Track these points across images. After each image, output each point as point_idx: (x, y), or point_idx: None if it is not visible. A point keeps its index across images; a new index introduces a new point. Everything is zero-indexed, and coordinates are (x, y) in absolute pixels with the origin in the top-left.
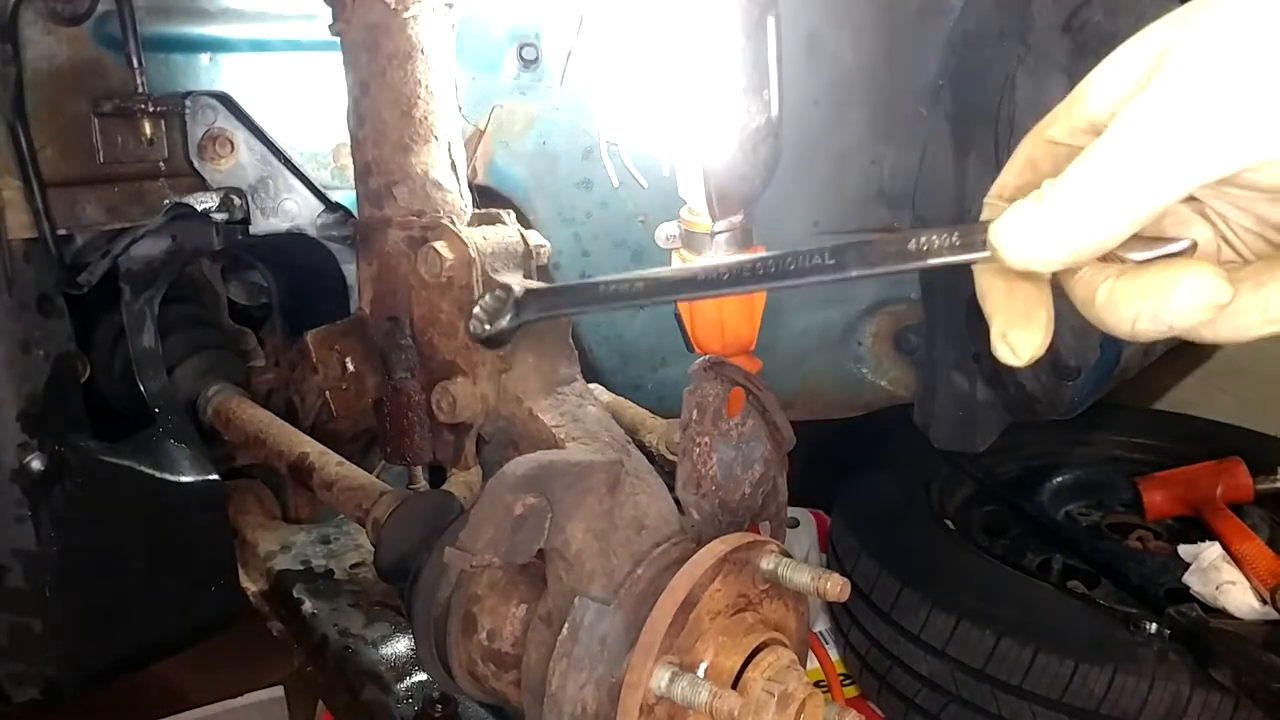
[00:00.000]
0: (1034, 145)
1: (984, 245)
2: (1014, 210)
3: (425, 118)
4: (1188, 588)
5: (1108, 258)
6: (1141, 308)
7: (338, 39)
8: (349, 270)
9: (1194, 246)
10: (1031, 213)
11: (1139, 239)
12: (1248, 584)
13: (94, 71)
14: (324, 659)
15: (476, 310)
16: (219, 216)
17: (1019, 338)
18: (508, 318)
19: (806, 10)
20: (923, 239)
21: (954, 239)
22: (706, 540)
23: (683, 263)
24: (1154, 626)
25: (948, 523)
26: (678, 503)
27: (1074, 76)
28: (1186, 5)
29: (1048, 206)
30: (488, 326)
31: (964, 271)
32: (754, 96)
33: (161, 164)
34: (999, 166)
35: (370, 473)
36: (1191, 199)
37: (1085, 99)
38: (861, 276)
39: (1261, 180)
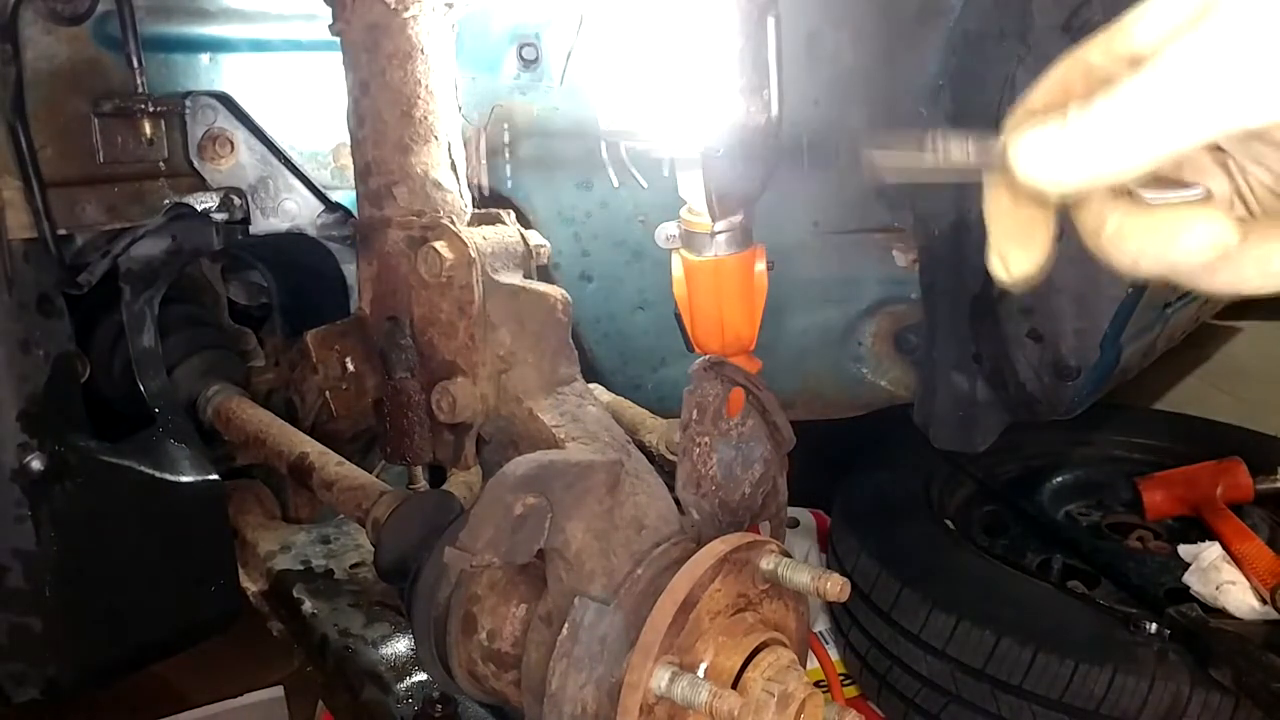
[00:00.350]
0: (1069, 68)
1: (1000, 159)
2: (1036, 128)
3: (425, 118)
4: (1188, 588)
5: (1119, 193)
6: (1148, 244)
7: (338, 39)
8: (349, 270)
9: (1209, 195)
10: (1053, 132)
11: (1155, 179)
12: (1248, 584)
13: (94, 71)
14: (324, 659)
15: None
16: (219, 216)
17: (1015, 254)
18: None
19: (806, 10)
20: (939, 143)
21: (969, 148)
22: (706, 540)
23: (683, 263)
24: (1154, 626)
25: (948, 523)
26: (678, 503)
27: None
28: None
29: (1071, 128)
30: None
31: (965, 271)
32: (754, 96)
33: (161, 164)
34: None
35: (370, 473)
36: (1216, 148)
37: (1130, 30)
38: (874, 176)
39: None
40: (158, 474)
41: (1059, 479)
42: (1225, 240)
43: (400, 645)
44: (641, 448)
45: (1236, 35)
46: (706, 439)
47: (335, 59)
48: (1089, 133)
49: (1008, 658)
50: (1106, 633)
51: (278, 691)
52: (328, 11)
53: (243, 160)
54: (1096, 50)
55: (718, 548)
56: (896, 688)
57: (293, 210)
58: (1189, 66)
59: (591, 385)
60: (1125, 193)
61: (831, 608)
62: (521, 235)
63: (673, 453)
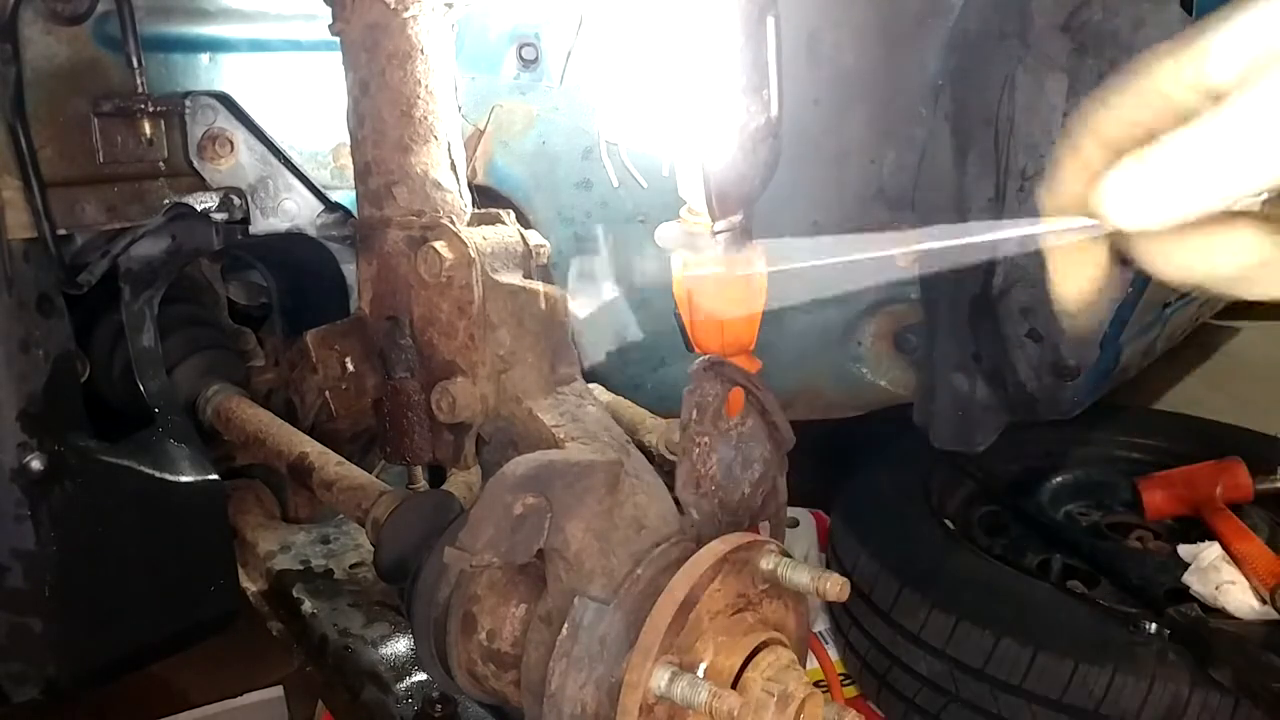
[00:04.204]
0: (1140, 95)
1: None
2: (1119, 171)
3: (425, 118)
4: (1187, 588)
5: None
6: (1191, 259)
7: (338, 39)
8: (349, 270)
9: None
10: (1140, 173)
11: None
12: (1247, 584)
13: (94, 71)
14: (324, 659)
15: None
16: (219, 216)
17: (1077, 287)
18: None
19: (806, 10)
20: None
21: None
22: (706, 540)
23: (683, 263)
24: (1154, 626)
25: (948, 523)
26: (677, 503)
27: (1074, 76)
28: None
29: (1157, 168)
30: None
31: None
32: (754, 96)
33: (161, 164)
34: (999, 166)
35: (370, 473)
36: None
37: (1203, 64)
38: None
39: None
40: (158, 474)
41: (1059, 479)
42: (1260, 255)
43: (400, 645)
44: (641, 448)
45: None
46: (706, 439)
47: (335, 59)
48: (1178, 172)
49: (1008, 658)
50: (1106, 633)
51: (278, 691)
52: (328, 11)
53: (242, 160)
54: (1168, 78)
55: (718, 548)
56: (896, 688)
57: (292, 210)
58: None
59: (591, 385)
60: None
61: (831, 608)
62: (521, 235)
63: (673, 453)
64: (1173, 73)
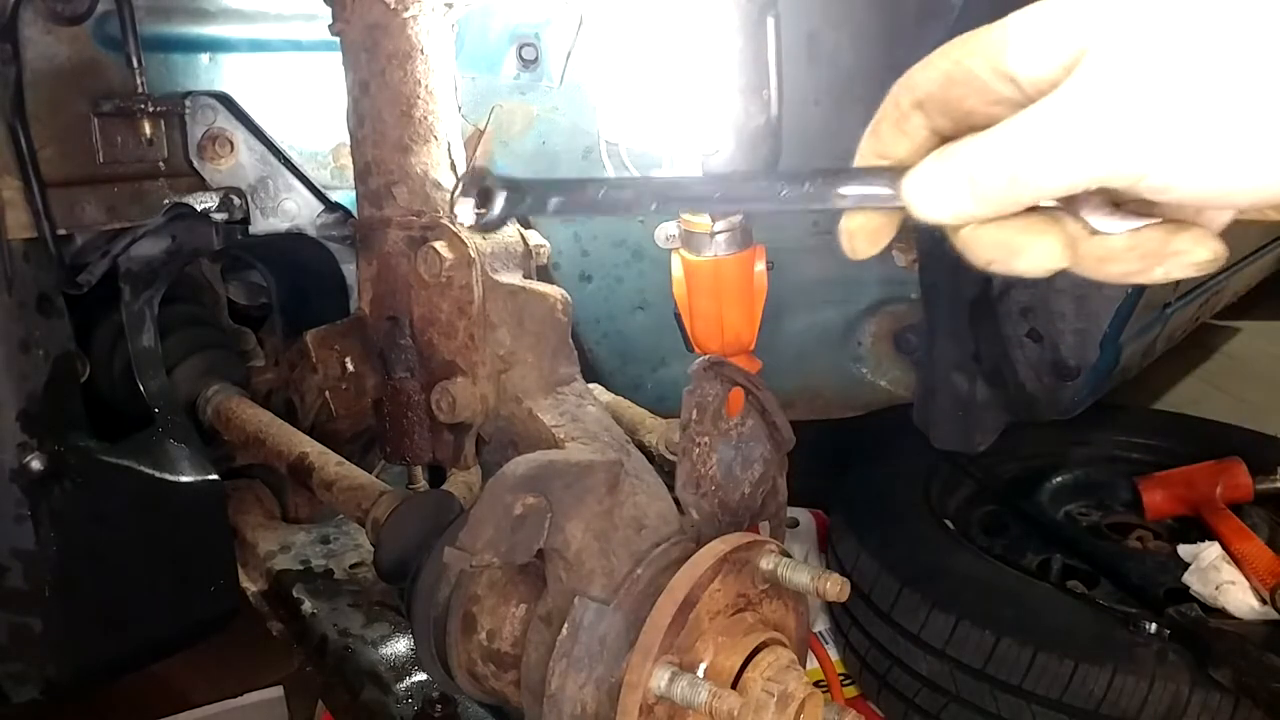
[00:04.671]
0: (954, 68)
1: (897, 188)
2: (923, 167)
3: (425, 118)
4: (1187, 588)
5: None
6: (996, 254)
7: (338, 39)
8: (349, 270)
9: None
10: (940, 174)
11: (1111, 205)
12: (1247, 584)
13: (94, 71)
14: (324, 659)
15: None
16: (219, 216)
17: (863, 243)
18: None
19: (806, 10)
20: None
21: (871, 182)
22: (706, 540)
23: (683, 263)
24: (1154, 626)
25: (948, 523)
26: (677, 503)
27: None
28: None
29: (956, 170)
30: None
31: (964, 272)
32: (754, 96)
33: (161, 164)
34: None
35: (370, 473)
36: None
37: (1004, 54)
38: (792, 208)
39: (1149, 188)
40: (157, 474)
41: (1059, 479)
42: (1058, 264)
43: (400, 645)
44: (641, 448)
45: (1100, 97)
46: (706, 439)
47: (335, 59)
48: (975, 174)
49: (1007, 658)
50: (1106, 633)
51: (278, 691)
52: (328, 11)
53: (242, 160)
54: (980, 59)
55: (718, 548)
56: (896, 688)
57: (292, 210)
58: (1064, 120)
59: (591, 385)
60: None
61: (831, 608)
62: (521, 235)
63: (673, 453)
64: (979, 57)
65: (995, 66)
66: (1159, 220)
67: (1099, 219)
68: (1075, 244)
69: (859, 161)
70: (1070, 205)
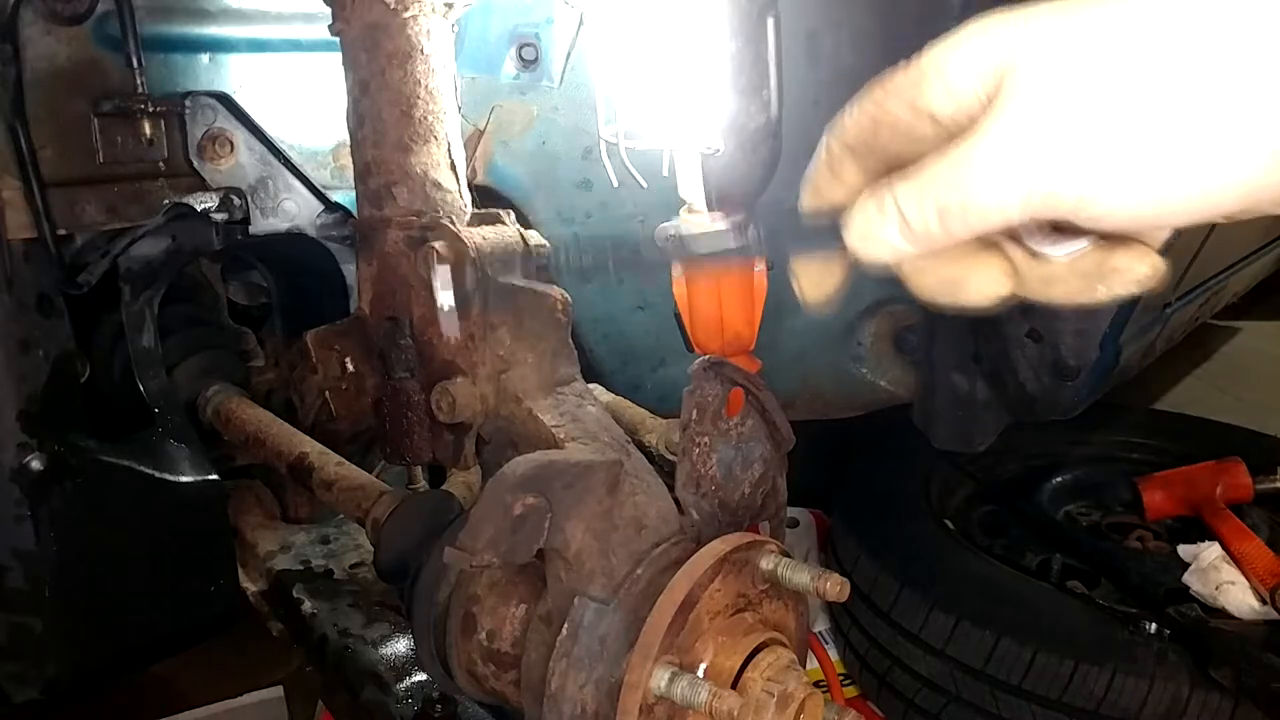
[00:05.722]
0: (875, 111)
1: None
2: (854, 210)
3: (425, 118)
4: (1187, 588)
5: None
6: (938, 289)
7: (337, 39)
8: (349, 270)
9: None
10: (875, 219)
11: (1049, 229)
12: (1247, 584)
13: (94, 71)
14: (324, 659)
15: None
16: (219, 216)
17: (811, 289)
18: None
19: (806, 10)
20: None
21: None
22: (706, 540)
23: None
24: (1154, 626)
25: (948, 523)
26: (677, 503)
27: None
28: (1023, 12)
29: (890, 215)
30: None
31: None
32: (754, 96)
33: (161, 164)
34: None
35: (370, 473)
36: None
37: (926, 93)
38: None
39: (1078, 216)
40: (157, 474)
41: (1059, 479)
42: (1002, 291)
43: (400, 645)
44: (641, 448)
45: (1023, 124)
46: (706, 439)
47: (335, 59)
48: (903, 214)
49: (1008, 658)
50: (1106, 633)
51: (278, 691)
52: (328, 11)
53: (242, 160)
54: (898, 101)
55: (718, 548)
56: (896, 688)
57: (292, 210)
58: (984, 153)
59: (591, 385)
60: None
61: (831, 608)
62: (521, 235)
63: (672, 453)
64: (896, 99)
65: (913, 106)
66: (1097, 240)
67: (1038, 243)
68: (1018, 270)
69: (803, 209)
70: (1011, 232)
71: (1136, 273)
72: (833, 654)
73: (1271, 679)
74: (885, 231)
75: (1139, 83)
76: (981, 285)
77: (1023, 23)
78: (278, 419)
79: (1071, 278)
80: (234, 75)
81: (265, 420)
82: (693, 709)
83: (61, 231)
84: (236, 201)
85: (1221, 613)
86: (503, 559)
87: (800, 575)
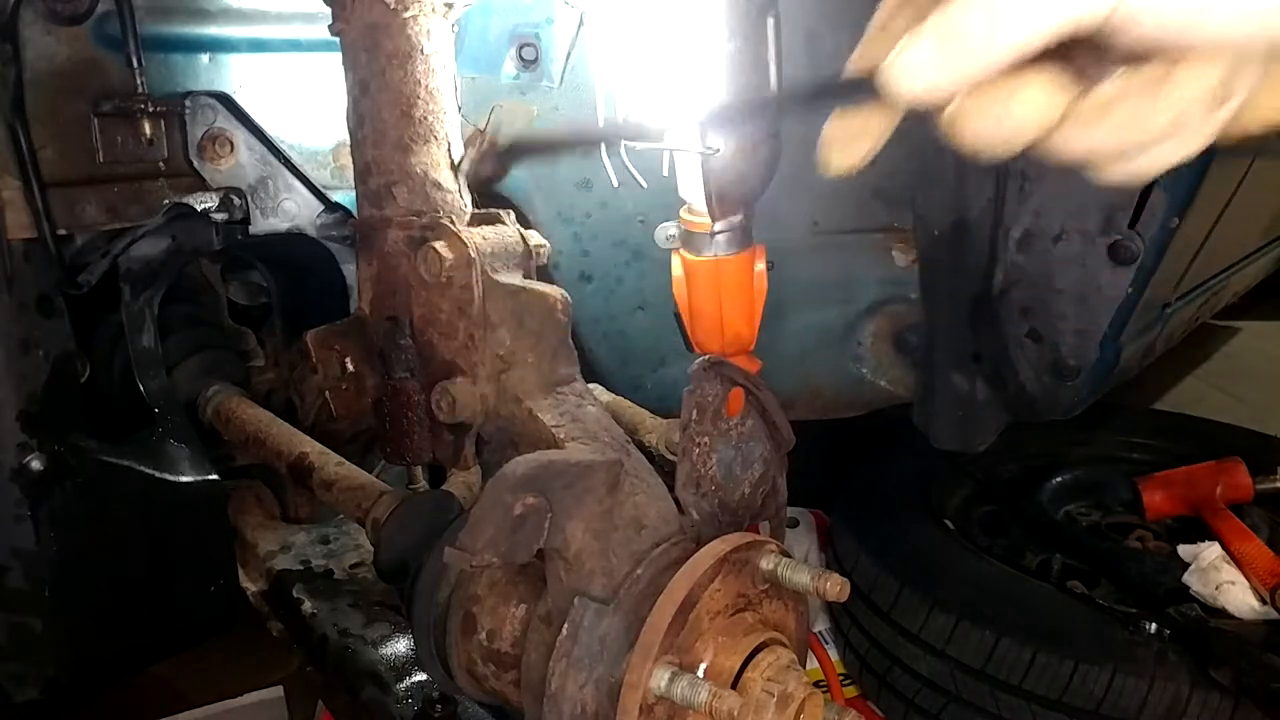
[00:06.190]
0: None
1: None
2: (905, 50)
3: (425, 118)
4: (1187, 588)
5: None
6: (986, 118)
7: (337, 39)
8: (349, 270)
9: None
10: (919, 48)
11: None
12: (1247, 584)
13: (94, 71)
14: (324, 659)
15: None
16: (219, 216)
17: (838, 157)
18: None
19: (806, 10)
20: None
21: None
22: (706, 540)
23: (683, 263)
24: (1154, 626)
25: (948, 523)
26: (677, 503)
27: None
28: None
29: (932, 39)
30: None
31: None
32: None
33: (161, 164)
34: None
35: (370, 473)
36: None
37: None
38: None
39: (1120, 18)
40: (158, 474)
41: (1059, 479)
42: (1051, 113)
43: (400, 645)
44: (641, 448)
45: None
46: (706, 439)
47: (335, 59)
48: (951, 39)
49: (1008, 658)
50: (1106, 633)
51: (278, 691)
52: (328, 11)
53: (242, 160)
54: None
55: (718, 548)
56: (896, 688)
57: (292, 210)
58: None
59: (591, 385)
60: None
61: (831, 608)
62: (521, 235)
63: (673, 453)
64: None
65: None
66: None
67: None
68: (1066, 96)
69: (849, 69)
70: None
71: (1200, 83)
72: (833, 654)
73: (1271, 679)
74: (926, 59)
75: None
76: (1030, 112)
77: None
78: (278, 419)
79: (1131, 90)
80: (234, 75)
81: (265, 420)
82: (693, 709)
83: (61, 231)
84: (236, 201)
85: (1221, 613)
86: (503, 559)
87: (800, 575)
